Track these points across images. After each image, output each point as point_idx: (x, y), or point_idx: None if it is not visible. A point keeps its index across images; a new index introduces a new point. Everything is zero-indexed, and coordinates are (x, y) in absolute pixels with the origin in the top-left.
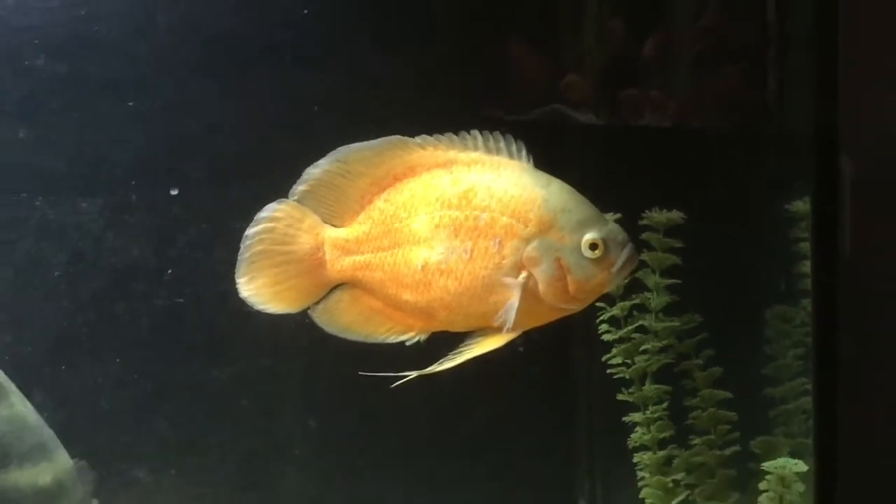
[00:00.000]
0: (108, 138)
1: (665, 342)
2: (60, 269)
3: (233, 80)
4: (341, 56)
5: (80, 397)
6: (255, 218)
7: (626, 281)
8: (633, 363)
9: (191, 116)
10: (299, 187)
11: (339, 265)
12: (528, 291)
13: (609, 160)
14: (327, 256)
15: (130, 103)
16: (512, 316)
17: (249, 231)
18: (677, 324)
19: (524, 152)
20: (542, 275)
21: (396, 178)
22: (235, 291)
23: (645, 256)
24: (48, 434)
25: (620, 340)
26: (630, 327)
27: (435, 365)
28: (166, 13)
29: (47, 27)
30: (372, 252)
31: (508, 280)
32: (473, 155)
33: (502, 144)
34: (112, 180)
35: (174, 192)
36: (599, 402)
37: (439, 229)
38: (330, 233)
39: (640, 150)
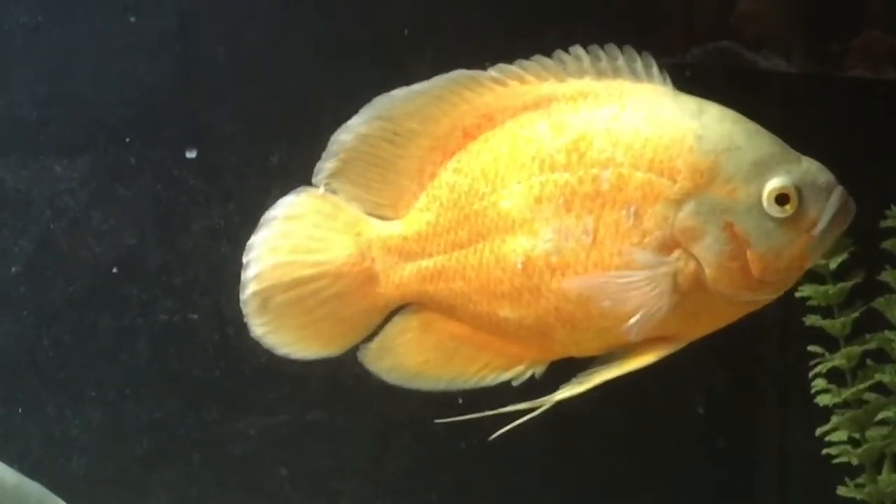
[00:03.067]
0: (97, 73)
1: None
2: (20, 263)
3: None
4: None
5: (45, 453)
6: (264, 218)
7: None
8: (865, 440)
9: (218, 44)
10: (326, 164)
11: (396, 277)
12: (689, 279)
13: (806, 124)
14: (378, 266)
15: (133, 19)
16: (644, 315)
17: (256, 238)
18: None
19: (655, 69)
20: (706, 252)
21: (468, 135)
22: None
23: (888, 277)
24: (36, 489)
25: (845, 405)
26: (861, 385)
27: (559, 391)
28: None
29: None
30: (444, 252)
31: (645, 257)
32: (579, 84)
33: (621, 62)
34: (101, 134)
35: (191, 155)
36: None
37: (542, 204)
38: (378, 230)
39: (860, 112)
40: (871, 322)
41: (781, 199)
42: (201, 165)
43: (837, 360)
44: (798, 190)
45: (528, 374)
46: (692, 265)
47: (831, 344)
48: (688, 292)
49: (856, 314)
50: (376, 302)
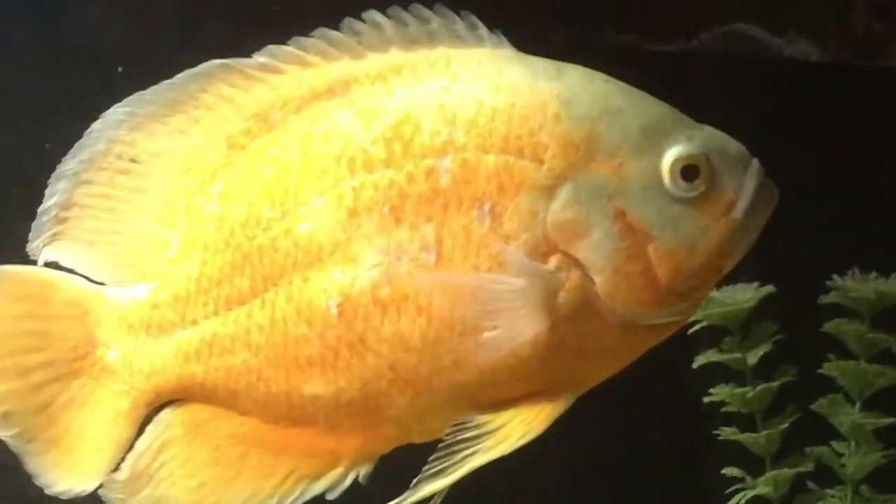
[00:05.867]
0: None
1: None
2: None
3: None
4: None
5: None
6: None
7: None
8: None
9: None
10: (42, 226)
11: (145, 364)
12: (573, 295)
13: (833, 125)
14: (116, 352)
15: None
16: (507, 335)
17: None
18: None
19: (483, 30)
20: (594, 254)
21: (235, 146)
22: None
23: (832, 369)
24: None
25: None
26: None
27: (415, 488)
28: None
29: None
30: (216, 313)
31: (506, 252)
32: (384, 59)
33: (435, 25)
34: None
35: None
36: None
37: (359, 217)
38: (113, 302)
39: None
40: (811, 429)
41: (688, 172)
42: None
43: (762, 486)
44: (707, 160)
45: (350, 480)
46: (576, 274)
47: (757, 465)
48: (572, 315)
49: (785, 425)
50: (121, 404)
